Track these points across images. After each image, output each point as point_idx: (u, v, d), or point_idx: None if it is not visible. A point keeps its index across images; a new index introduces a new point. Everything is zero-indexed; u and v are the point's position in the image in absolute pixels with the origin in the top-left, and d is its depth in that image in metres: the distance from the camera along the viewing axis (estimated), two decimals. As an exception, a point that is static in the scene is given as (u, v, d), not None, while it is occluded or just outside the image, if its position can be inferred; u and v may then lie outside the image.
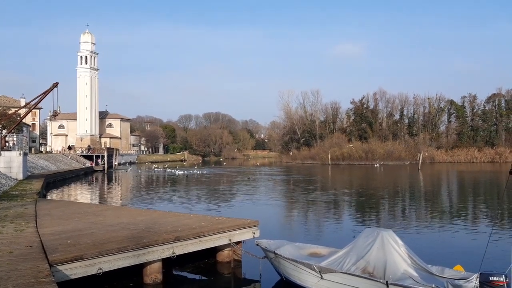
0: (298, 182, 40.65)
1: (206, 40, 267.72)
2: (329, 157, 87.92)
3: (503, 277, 6.57)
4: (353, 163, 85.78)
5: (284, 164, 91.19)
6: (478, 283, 6.79)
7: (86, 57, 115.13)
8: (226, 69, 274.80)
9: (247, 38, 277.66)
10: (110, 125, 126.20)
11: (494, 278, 6.61)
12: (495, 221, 16.78)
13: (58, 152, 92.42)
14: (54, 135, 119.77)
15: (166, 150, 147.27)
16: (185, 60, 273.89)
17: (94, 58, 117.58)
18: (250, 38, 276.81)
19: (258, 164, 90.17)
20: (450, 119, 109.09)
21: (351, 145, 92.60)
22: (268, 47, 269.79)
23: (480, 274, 6.82)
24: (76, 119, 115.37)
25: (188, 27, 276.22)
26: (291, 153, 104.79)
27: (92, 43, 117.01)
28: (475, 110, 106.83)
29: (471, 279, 7.18)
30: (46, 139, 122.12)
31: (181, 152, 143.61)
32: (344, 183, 41.21)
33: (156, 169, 69.62)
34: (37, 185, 27.09)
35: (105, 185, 43.50)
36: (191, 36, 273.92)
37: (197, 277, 10.31)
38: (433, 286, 6.98)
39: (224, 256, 10.77)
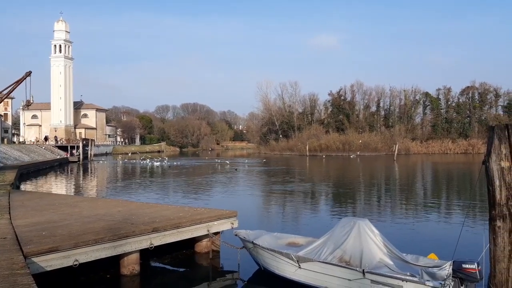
0: (276, 173, 40.83)
1: (184, 30, 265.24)
2: (307, 148, 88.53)
3: (475, 265, 6.74)
4: (330, 154, 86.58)
5: (263, 155, 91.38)
6: (451, 271, 6.96)
7: (60, 45, 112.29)
8: (204, 59, 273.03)
9: (225, 28, 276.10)
10: (85, 116, 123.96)
11: (467, 266, 6.78)
12: (467, 211, 17.23)
13: (32, 143, 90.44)
14: (27, 125, 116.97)
15: (143, 141, 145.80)
16: (163, 50, 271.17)
17: (69, 47, 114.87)
18: (229, 29, 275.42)
19: (245, 155, 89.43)
20: (425, 111, 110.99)
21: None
22: (246, 38, 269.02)
23: (453, 262, 6.98)
24: (50, 109, 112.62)
25: (166, 16, 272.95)
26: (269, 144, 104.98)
27: (66, 31, 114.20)
28: (449, 103, 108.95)
29: (444, 267, 7.37)
30: (19, 129, 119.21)
31: (158, 143, 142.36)
32: (321, 174, 41.60)
33: (142, 160, 65.36)
34: (10, 176, 26.49)
35: (81, 176, 42.84)
36: (169, 25, 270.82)
37: (175, 268, 10.29)
38: (408, 274, 7.12)
39: (202, 247, 10.76)
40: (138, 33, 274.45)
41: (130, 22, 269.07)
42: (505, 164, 5.14)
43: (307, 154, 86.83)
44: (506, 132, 5.18)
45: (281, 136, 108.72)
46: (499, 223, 5.17)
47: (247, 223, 12.74)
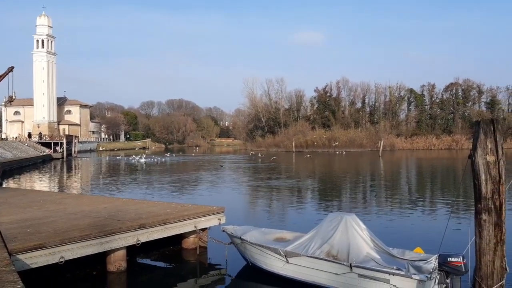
0: (263, 170, 40.87)
1: (170, 26, 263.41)
2: (293, 145, 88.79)
3: (461, 258, 6.84)
4: (316, 150, 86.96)
5: (249, 151, 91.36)
6: (437, 264, 7.06)
7: (42, 40, 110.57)
8: (190, 55, 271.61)
9: (212, 24, 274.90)
10: (69, 112, 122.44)
11: (452, 259, 6.88)
12: (453, 205, 17.48)
13: (14, 139, 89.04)
14: (10, 121, 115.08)
15: (128, 138, 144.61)
16: (148, 45, 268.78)
17: (51, 42, 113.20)
18: (215, 24, 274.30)
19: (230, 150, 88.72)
20: (410, 107, 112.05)
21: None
22: (233, 34, 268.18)
23: (439, 255, 7.07)
24: (32, 105, 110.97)
25: (151, 11, 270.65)
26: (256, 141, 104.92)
27: (49, 26, 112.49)
28: (433, 99, 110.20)
29: (430, 260, 7.47)
30: (1, 126, 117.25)
31: (143, 140, 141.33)
32: (308, 170, 41.76)
33: (137, 158, 57.72)
34: (-8, 173, 26.03)
35: (65, 173, 42.33)
36: (154, 21, 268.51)
37: (162, 264, 10.24)
38: (395, 267, 7.20)
39: (189, 243, 10.73)
40: (124, 28, 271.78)
41: (115, 17, 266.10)
42: (490, 158, 5.21)
43: (293, 150, 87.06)
44: (492, 126, 5.26)
45: (267, 132, 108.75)
46: (484, 216, 5.24)
47: (235, 219, 12.73)
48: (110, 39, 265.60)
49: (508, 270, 5.52)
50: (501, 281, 5.35)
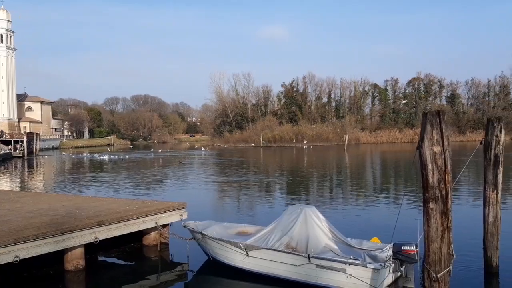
0: (230, 165, 40.86)
1: (134, 19, 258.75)
2: (261, 140, 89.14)
3: (414, 246, 7.09)
4: (284, 145, 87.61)
5: (217, 147, 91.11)
6: (392, 253, 7.28)
7: (1, 35, 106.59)
8: (156, 50, 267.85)
9: (178, 18, 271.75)
10: (29, 109, 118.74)
11: (406, 247, 7.11)
12: (403, 195, 18.10)
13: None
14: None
15: (92, 135, 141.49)
16: (112, 39, 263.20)
17: (11, 36, 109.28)
18: (181, 19, 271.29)
19: (204, 147, 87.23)
20: (374, 102, 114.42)
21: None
22: (199, 28, 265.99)
23: (393, 244, 7.29)
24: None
25: (116, 4, 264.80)
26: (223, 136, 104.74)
27: (8, 20, 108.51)
28: (396, 93, 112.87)
29: (385, 249, 7.70)
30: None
31: (108, 137, 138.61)
32: (275, 164, 42.04)
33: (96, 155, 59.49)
34: None
35: (25, 171, 41.06)
36: (118, 14, 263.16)
37: (122, 262, 10.11)
38: (352, 257, 7.37)
39: (150, 239, 10.63)
40: (86, 22, 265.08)
41: (77, 11, 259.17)
42: (436, 148, 5.40)
43: (261, 145, 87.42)
44: (438, 118, 5.45)
45: (235, 127, 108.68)
46: (432, 205, 5.43)
47: (198, 215, 12.65)
48: (73, 33, 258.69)
49: (454, 256, 5.75)
50: (448, 267, 5.57)
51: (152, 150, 76.03)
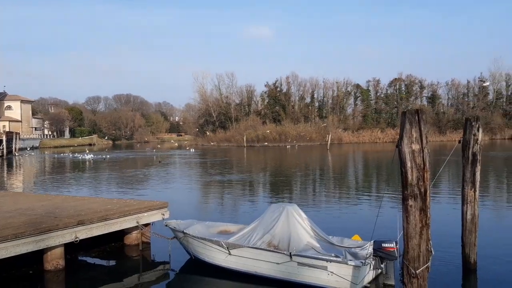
0: (213, 165, 40.75)
1: (117, 18, 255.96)
2: (245, 139, 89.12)
3: (394, 243, 7.20)
4: (267, 144, 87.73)
5: (200, 147, 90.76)
6: (372, 250, 7.37)
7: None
8: (138, 49, 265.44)
9: (161, 17, 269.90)
10: (9, 108, 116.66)
11: (386, 245, 7.22)
12: (384, 193, 18.32)
13: None
14: None
15: (73, 134, 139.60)
16: (94, 38, 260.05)
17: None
18: (164, 18, 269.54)
19: (188, 147, 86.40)
20: (356, 102, 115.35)
21: (268, 131, 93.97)
22: (182, 28, 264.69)
23: (373, 241, 7.39)
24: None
25: (98, 3, 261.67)
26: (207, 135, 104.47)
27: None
28: (378, 94, 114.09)
29: (365, 247, 7.81)
30: None
31: (89, 136, 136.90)
32: (258, 164, 42.07)
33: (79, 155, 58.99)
34: None
35: (4, 171, 40.29)
36: (101, 13, 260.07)
37: (103, 261, 10.01)
38: (333, 255, 7.43)
39: (132, 239, 10.55)
40: (67, 21, 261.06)
41: (59, 8, 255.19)
42: (415, 146, 5.48)
43: (245, 145, 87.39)
44: (417, 117, 5.53)
45: (218, 127, 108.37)
46: (411, 202, 5.51)
47: (181, 214, 12.60)
48: (55, 31, 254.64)
49: (433, 252, 5.84)
50: (427, 263, 5.65)
51: (146, 149, 75.41)
